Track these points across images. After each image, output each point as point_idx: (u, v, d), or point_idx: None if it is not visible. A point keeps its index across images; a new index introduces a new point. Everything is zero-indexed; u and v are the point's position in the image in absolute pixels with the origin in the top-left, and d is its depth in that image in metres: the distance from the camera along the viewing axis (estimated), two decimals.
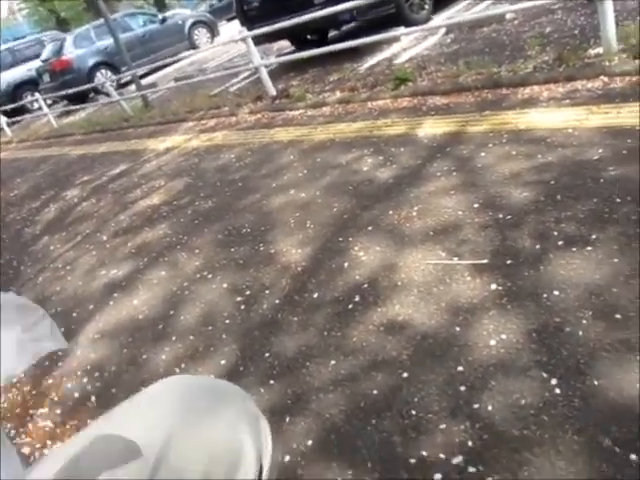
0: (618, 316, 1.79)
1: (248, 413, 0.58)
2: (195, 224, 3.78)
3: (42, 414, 2.47)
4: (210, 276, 3.00)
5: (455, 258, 2.36)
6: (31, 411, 2.51)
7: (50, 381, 2.67)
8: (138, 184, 5.28)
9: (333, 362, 2.04)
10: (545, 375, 1.68)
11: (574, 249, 2.16)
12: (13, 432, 2.38)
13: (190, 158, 5.46)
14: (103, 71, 13.24)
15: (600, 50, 3.96)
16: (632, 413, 1.49)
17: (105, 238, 4.21)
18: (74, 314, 3.20)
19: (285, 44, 8.57)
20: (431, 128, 3.88)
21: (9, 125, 12.44)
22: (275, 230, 3.22)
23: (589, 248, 2.14)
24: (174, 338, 2.58)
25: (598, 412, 1.53)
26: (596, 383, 1.60)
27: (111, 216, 4.68)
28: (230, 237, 3.37)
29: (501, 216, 2.53)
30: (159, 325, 2.73)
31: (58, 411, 2.44)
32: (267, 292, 2.63)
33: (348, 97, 5.30)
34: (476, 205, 2.69)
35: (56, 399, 2.53)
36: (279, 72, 7.70)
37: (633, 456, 1.39)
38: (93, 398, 2.41)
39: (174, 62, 12.19)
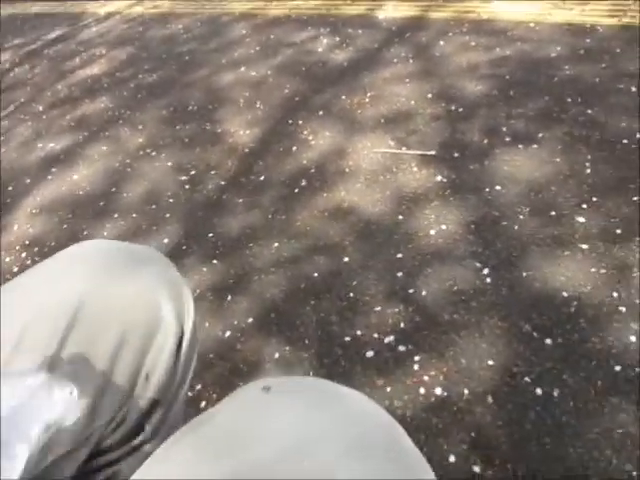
0: (553, 213, 1.86)
1: (168, 278, 0.55)
2: (138, 98, 3.58)
3: None
4: (154, 154, 2.89)
5: (404, 148, 2.35)
6: None
7: None
8: (77, 51, 4.89)
9: (276, 244, 2.06)
10: (478, 265, 1.76)
11: (520, 146, 2.19)
12: None
13: (134, 26, 5.06)
14: None
15: None
16: (552, 303, 1.60)
17: (41, 109, 3.95)
18: (10, 188, 3.06)
19: None
20: (392, 10, 3.70)
21: None
22: (223, 109, 3.10)
23: (535, 146, 2.17)
24: (116, 215, 2.52)
25: (522, 301, 1.63)
26: (524, 274, 1.69)
27: (47, 85, 4.35)
28: (175, 114, 3.22)
29: (453, 108, 2.50)
30: (100, 202, 2.65)
31: None
32: (213, 173, 2.58)
33: None
34: (429, 95, 2.65)
35: None
36: None
37: (548, 340, 1.51)
38: None
39: None
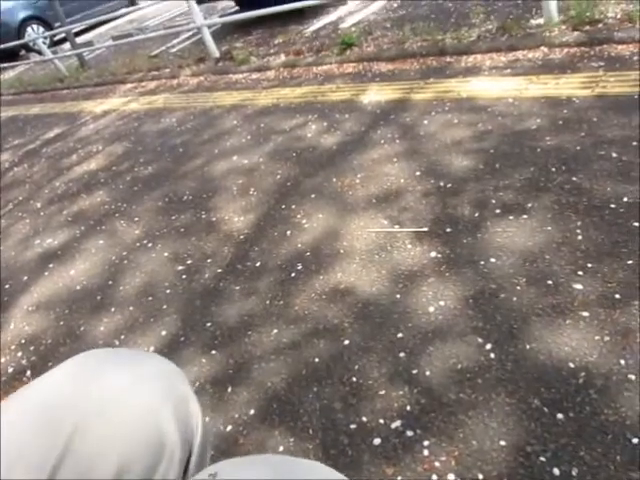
0: (549, 282, 1.86)
1: (176, 394, 0.51)
2: (134, 191, 3.66)
3: None
4: (150, 245, 2.92)
5: (396, 226, 2.38)
6: None
7: None
8: (74, 149, 5.05)
9: (275, 331, 2.03)
10: (480, 340, 1.73)
11: (511, 217, 2.22)
12: None
13: (129, 122, 5.26)
14: (34, 27, 12.42)
15: (541, 21, 4.01)
16: (559, 375, 1.56)
17: (39, 205, 4.02)
18: (7, 286, 3.06)
19: (229, 4, 8.27)
20: (376, 95, 3.86)
21: None
22: (217, 197, 3.16)
23: (525, 216, 2.20)
24: (113, 309, 2.51)
25: (529, 375, 1.59)
26: (528, 347, 1.67)
27: (45, 182, 4.46)
28: (171, 204, 3.28)
29: (442, 184, 2.56)
30: (97, 296, 2.65)
31: None
32: (209, 261, 2.59)
33: (293, 61, 5.20)
34: (418, 173, 2.71)
35: None
36: (222, 33, 7.45)
37: (559, 415, 1.46)
38: (28, 372, 2.33)
39: (112, 19, 11.60)
